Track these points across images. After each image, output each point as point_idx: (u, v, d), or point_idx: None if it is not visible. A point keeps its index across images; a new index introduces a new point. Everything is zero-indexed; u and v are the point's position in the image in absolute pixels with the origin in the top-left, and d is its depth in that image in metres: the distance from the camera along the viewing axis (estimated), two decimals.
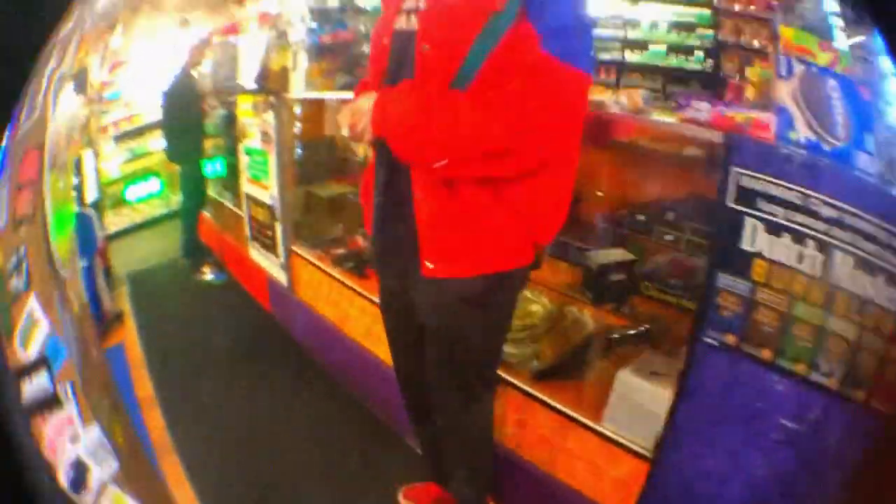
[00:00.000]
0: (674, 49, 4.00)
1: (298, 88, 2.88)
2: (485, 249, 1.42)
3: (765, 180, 1.57)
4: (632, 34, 4.14)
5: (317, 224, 2.94)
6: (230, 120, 4.13)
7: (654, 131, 1.88)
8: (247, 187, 3.34)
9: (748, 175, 1.60)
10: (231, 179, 4.01)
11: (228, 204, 3.92)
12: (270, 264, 3.04)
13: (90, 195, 3.62)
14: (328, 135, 2.90)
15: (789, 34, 2.01)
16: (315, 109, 2.94)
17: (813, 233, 1.50)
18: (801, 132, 1.62)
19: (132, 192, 4.55)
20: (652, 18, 4.09)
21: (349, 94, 2.74)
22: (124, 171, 4.59)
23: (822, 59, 1.81)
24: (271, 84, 3.03)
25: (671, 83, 4.02)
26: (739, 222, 1.56)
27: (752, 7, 3.65)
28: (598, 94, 1.97)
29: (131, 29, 4.63)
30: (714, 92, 2.01)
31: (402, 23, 1.48)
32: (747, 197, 1.57)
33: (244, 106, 3.37)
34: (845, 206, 1.50)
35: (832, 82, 1.68)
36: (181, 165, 3.80)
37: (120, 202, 4.49)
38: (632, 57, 4.13)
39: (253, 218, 3.27)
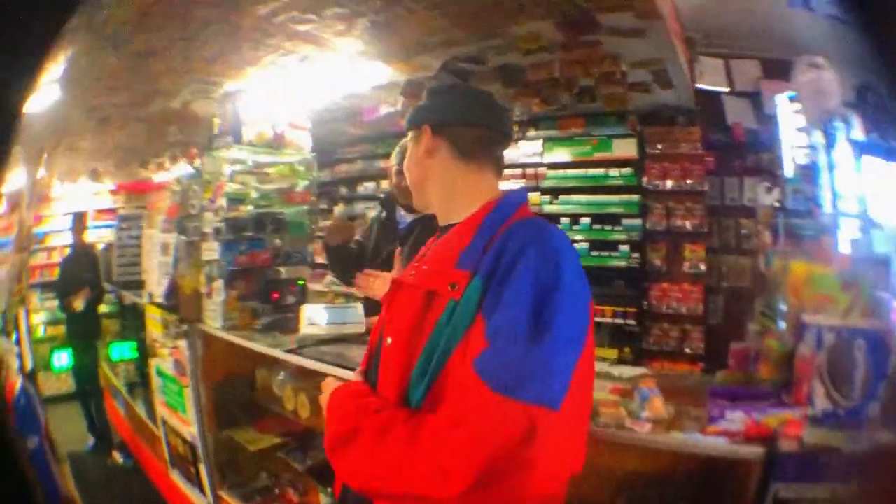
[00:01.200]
0: (597, 246, 3.93)
1: (215, 321, 2.63)
2: None
3: (799, 487, 1.54)
4: None
5: (245, 474, 2.63)
6: (137, 314, 3.82)
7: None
8: (162, 410, 3.04)
9: (785, 487, 1.54)
10: (143, 387, 3.70)
11: (142, 413, 3.61)
12: (196, 497, 2.68)
13: (28, 362, 3.33)
14: (246, 374, 2.71)
15: (802, 275, 1.93)
16: (233, 346, 2.59)
17: None
18: (819, 405, 1.59)
19: (56, 360, 4.20)
20: (573, 213, 4.03)
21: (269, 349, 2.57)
22: (49, 333, 4.25)
23: (844, 301, 1.74)
24: (184, 310, 2.76)
25: (593, 284, 3.93)
26: None
27: (688, 180, 3.62)
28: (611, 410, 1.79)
29: (53, 163, 4.35)
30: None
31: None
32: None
33: (153, 317, 3.11)
34: None
35: (860, 342, 1.61)
36: (72, 346, 3.43)
37: (48, 367, 4.15)
38: None
39: (172, 446, 2.95)
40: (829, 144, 2.45)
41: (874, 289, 1.78)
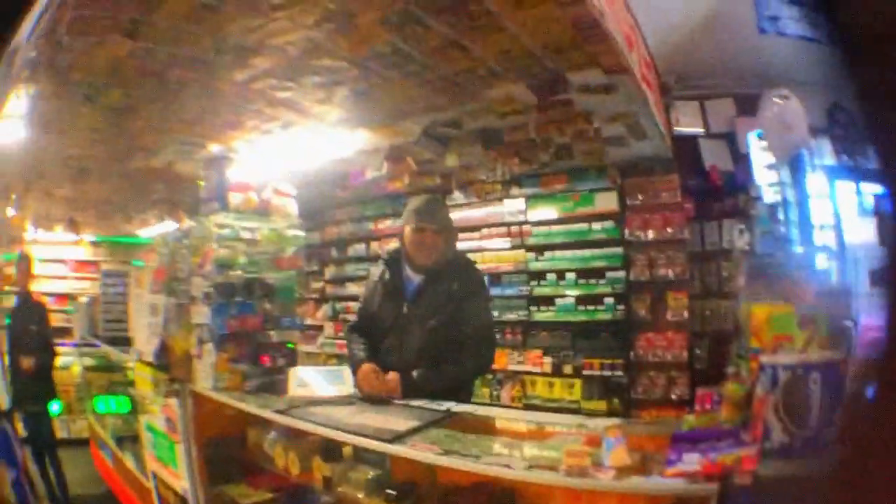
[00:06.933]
0: (583, 301, 4.31)
1: (205, 381, 3.03)
2: None
3: None
4: (538, 290, 4.45)
5: None
6: (124, 370, 4.15)
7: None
8: (152, 464, 3.30)
9: None
10: (132, 441, 4.05)
11: (131, 465, 3.97)
12: None
13: (4, 402, 3.68)
14: (238, 433, 3.01)
15: (763, 317, 2.15)
16: (224, 406, 2.95)
17: None
18: (776, 439, 1.82)
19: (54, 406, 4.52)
20: (558, 268, 4.41)
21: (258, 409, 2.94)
22: None
23: (801, 338, 2.01)
24: (174, 370, 3.10)
25: (580, 338, 4.34)
26: None
27: (669, 229, 3.97)
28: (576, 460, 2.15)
29: (25, 205, 4.66)
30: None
31: None
32: None
33: (142, 375, 3.45)
34: None
35: (815, 375, 1.86)
36: (22, 410, 3.77)
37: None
38: (539, 315, 4.43)
39: (163, 498, 3.20)
40: (797, 178, 2.77)
41: (833, 321, 2.09)
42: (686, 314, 3.86)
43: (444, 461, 2.19)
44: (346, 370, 2.87)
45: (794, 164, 2.79)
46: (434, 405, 2.73)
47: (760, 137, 2.94)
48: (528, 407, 4.35)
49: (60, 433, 4.39)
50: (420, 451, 2.22)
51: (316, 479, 2.71)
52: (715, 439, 1.95)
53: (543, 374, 4.52)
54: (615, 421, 2.50)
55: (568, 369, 4.45)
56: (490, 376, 4.74)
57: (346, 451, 2.68)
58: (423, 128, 3.48)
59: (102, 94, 3.29)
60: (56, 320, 4.74)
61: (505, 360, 4.68)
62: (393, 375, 2.85)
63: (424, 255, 2.92)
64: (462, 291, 2.90)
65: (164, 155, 3.63)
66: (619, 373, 4.17)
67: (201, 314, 3.03)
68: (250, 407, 2.80)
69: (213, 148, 3.40)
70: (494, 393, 4.80)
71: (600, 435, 2.18)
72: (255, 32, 2.82)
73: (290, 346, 3.22)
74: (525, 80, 3.17)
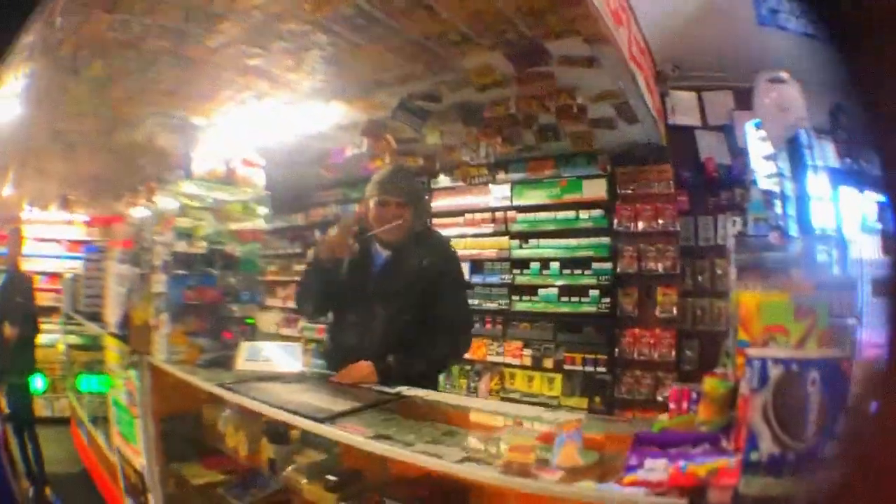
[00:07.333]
0: (567, 292, 4.18)
1: (160, 353, 2.95)
2: None
3: None
4: (521, 279, 4.34)
5: None
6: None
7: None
8: (117, 440, 3.30)
9: None
10: (105, 420, 3.99)
11: (102, 442, 3.82)
12: None
13: None
14: (195, 410, 2.91)
15: (752, 306, 1.77)
16: (181, 381, 2.79)
17: None
18: (765, 450, 1.49)
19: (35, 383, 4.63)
20: (542, 257, 4.29)
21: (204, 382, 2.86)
22: None
23: (797, 331, 1.69)
24: (134, 341, 3.03)
25: (562, 331, 4.21)
26: None
27: (660, 221, 3.82)
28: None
29: (21, 183, 4.80)
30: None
31: None
32: None
33: (110, 347, 3.40)
34: None
35: (813, 375, 1.51)
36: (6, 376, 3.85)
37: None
38: (521, 305, 4.32)
39: (126, 475, 3.21)
40: (795, 163, 2.63)
41: (834, 315, 1.74)
42: (675, 311, 3.69)
43: (372, 445, 1.96)
44: (299, 346, 2.74)
45: (792, 147, 2.58)
46: (387, 388, 2.52)
47: (758, 127, 2.77)
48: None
49: (44, 412, 4.49)
50: (348, 433, 2.01)
51: (263, 462, 2.59)
52: (688, 445, 1.65)
53: (523, 367, 4.38)
54: (576, 415, 2.22)
55: (548, 363, 4.30)
56: (468, 367, 4.64)
57: (294, 433, 2.53)
58: (399, 100, 3.40)
59: (86, 66, 3.29)
60: (48, 299, 4.86)
61: (483, 350, 4.57)
62: (366, 363, 2.66)
63: (389, 230, 2.71)
64: (432, 269, 2.67)
65: (144, 127, 3.66)
66: (603, 369, 4.02)
67: (160, 283, 2.96)
68: (196, 379, 2.68)
69: (190, 119, 3.41)
70: (472, 384, 4.70)
71: (554, 430, 1.82)
72: None
73: (249, 321, 3.11)
74: (501, 48, 3.01)
